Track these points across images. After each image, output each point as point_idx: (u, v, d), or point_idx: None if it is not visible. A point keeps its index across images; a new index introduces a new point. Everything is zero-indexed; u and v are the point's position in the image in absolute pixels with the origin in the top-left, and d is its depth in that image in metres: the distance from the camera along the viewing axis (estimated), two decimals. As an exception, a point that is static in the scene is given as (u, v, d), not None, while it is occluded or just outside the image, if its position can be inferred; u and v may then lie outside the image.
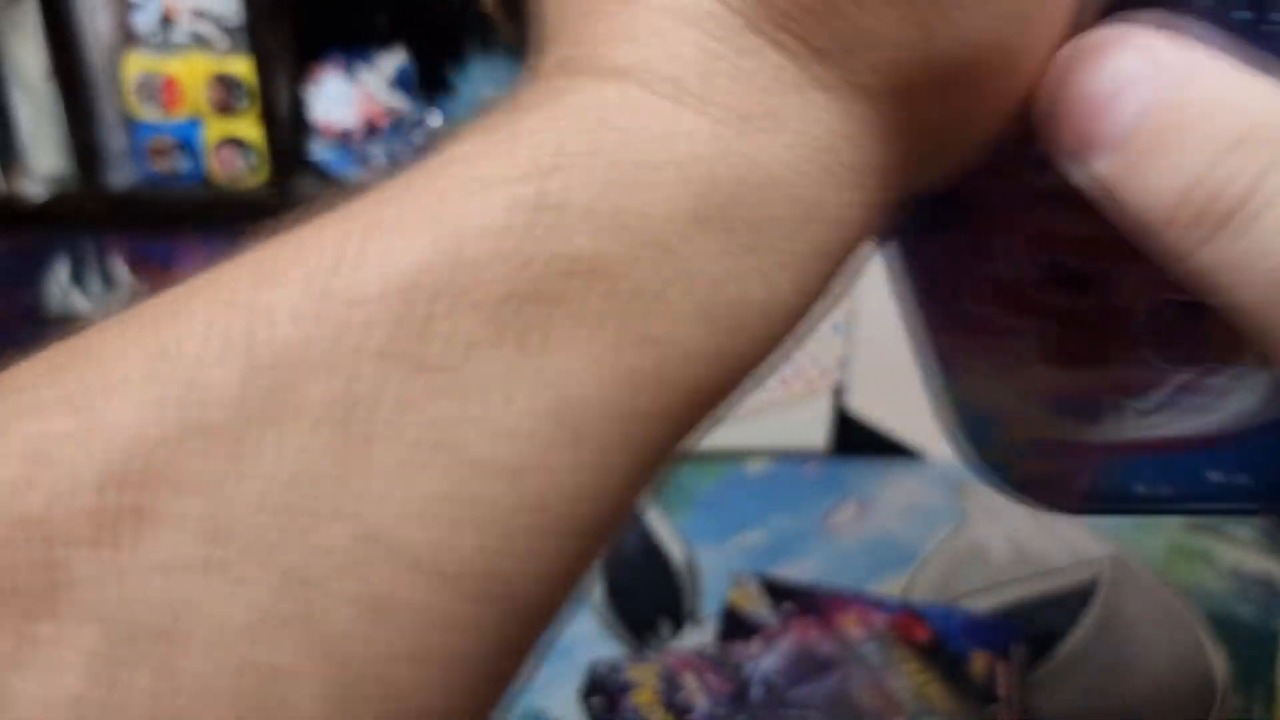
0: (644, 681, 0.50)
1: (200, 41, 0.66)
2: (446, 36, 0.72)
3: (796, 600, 0.61)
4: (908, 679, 0.51)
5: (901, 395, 0.75)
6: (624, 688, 0.49)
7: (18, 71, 0.65)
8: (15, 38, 0.64)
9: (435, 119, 0.69)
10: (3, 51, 0.65)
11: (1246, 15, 0.18)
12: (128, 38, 0.67)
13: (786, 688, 0.49)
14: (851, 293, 0.76)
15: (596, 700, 0.50)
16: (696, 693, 0.49)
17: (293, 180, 0.68)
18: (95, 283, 0.71)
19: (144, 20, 0.66)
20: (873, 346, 0.74)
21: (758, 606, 0.61)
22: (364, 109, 0.67)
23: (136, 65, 0.65)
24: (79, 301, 0.72)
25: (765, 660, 0.51)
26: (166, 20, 0.66)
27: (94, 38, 0.64)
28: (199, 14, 0.66)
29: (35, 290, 0.71)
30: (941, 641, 0.55)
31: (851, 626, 0.56)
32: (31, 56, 0.64)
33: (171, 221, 0.70)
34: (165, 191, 0.67)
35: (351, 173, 0.67)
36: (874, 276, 0.64)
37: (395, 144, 0.67)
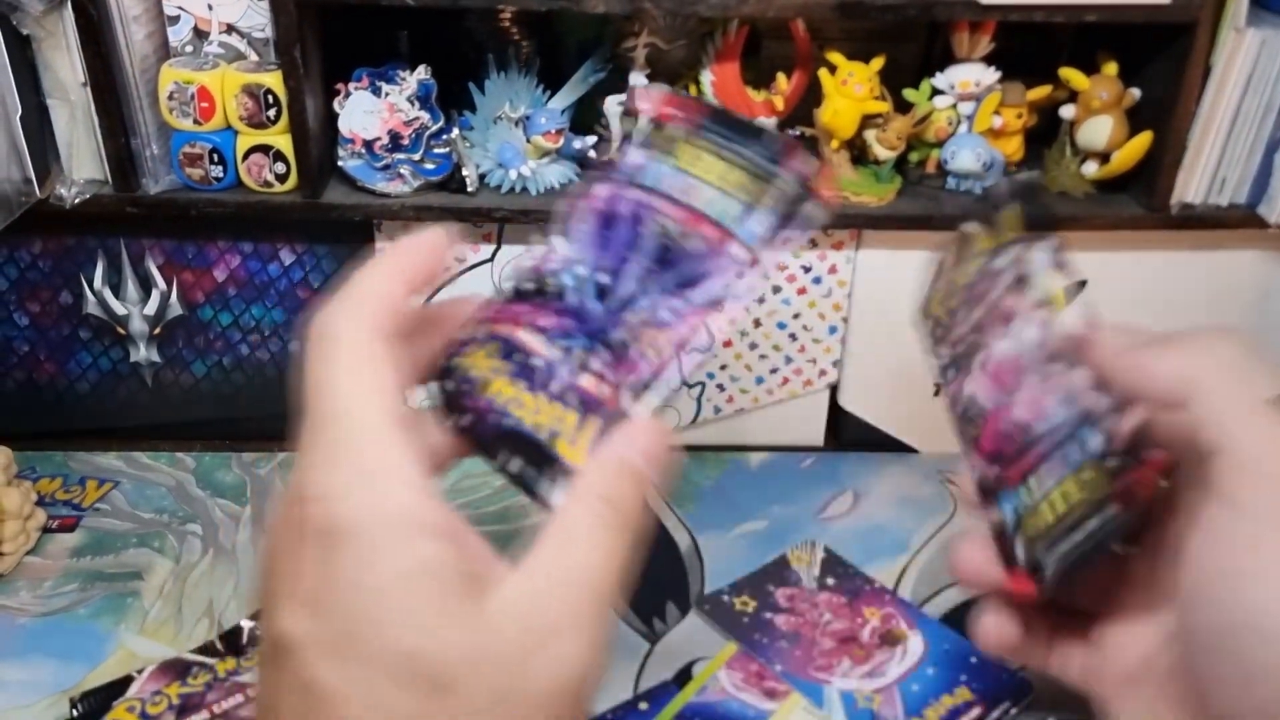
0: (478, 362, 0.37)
1: (231, 55, 0.69)
2: (466, 54, 0.75)
3: None
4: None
5: (889, 395, 0.78)
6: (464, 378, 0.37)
7: (55, 80, 0.67)
8: (52, 46, 0.66)
9: (454, 130, 0.71)
10: (40, 60, 0.66)
11: None
12: (165, 49, 0.69)
13: (616, 284, 0.37)
14: (848, 299, 0.78)
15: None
16: (536, 346, 0.36)
17: (322, 187, 0.71)
18: (130, 286, 0.74)
19: (177, 34, 0.68)
20: (866, 350, 0.77)
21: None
22: (388, 121, 0.69)
23: (169, 77, 0.66)
24: (114, 305, 0.74)
25: (574, 258, 0.37)
26: (199, 33, 0.69)
27: (131, 48, 0.66)
28: (230, 28, 0.69)
29: (72, 293, 0.74)
30: None
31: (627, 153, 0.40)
32: (68, 65, 0.66)
33: (205, 227, 0.72)
34: (199, 197, 0.69)
35: (377, 179, 0.70)
36: (867, 286, 0.68)
37: (417, 153, 0.70)
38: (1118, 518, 0.35)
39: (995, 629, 0.40)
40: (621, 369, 0.35)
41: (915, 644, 0.62)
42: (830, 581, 0.67)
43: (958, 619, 0.63)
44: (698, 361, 0.35)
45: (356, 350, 0.31)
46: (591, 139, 0.73)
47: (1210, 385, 0.34)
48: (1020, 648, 0.40)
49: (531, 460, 0.34)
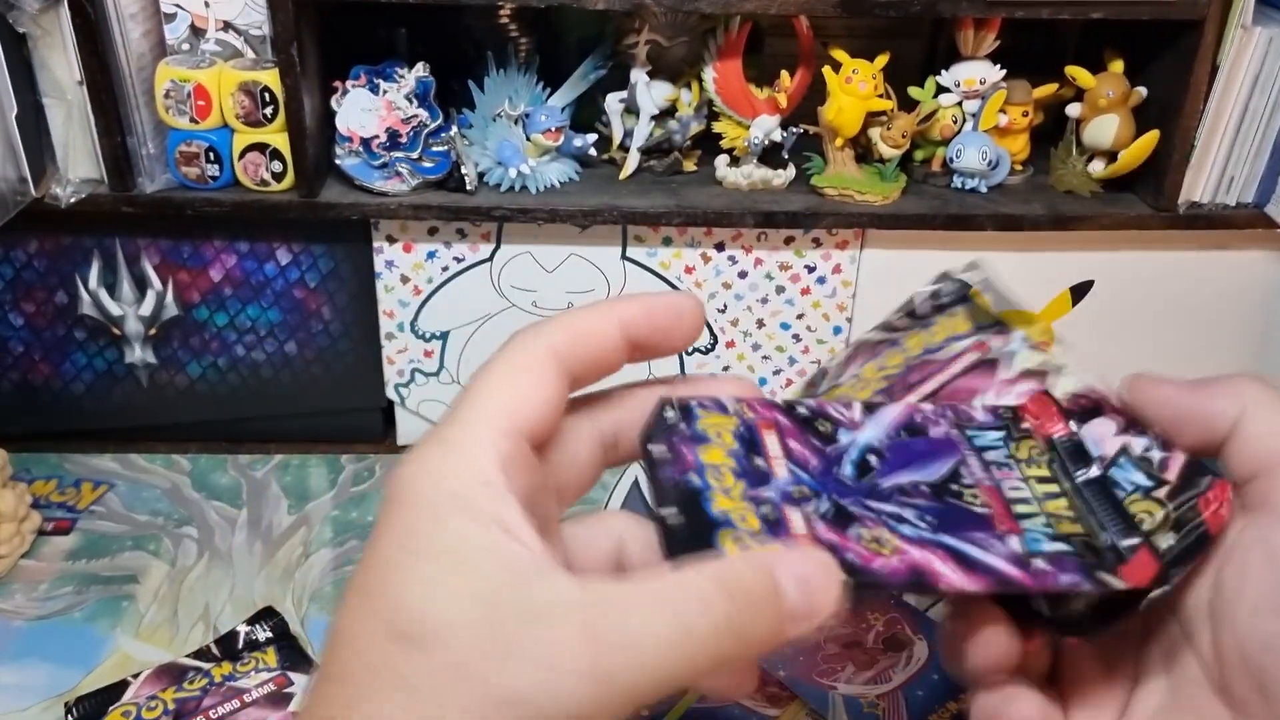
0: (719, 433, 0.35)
1: (228, 53, 0.68)
2: (465, 51, 0.74)
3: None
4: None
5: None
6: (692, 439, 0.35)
7: (51, 79, 0.66)
8: (48, 45, 0.65)
9: (453, 128, 0.71)
10: (36, 59, 0.66)
11: None
12: (162, 47, 0.68)
13: (884, 472, 0.35)
14: (852, 299, 0.78)
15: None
16: (773, 455, 0.35)
17: (319, 186, 0.70)
18: (125, 286, 0.73)
19: (173, 31, 0.67)
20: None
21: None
22: (386, 119, 0.68)
23: (166, 75, 0.66)
24: (109, 305, 0.73)
25: (866, 431, 0.36)
26: (195, 31, 0.68)
27: (127, 46, 0.65)
28: (227, 25, 0.68)
29: (67, 293, 0.73)
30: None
31: (975, 410, 0.39)
32: (64, 64, 0.65)
33: (201, 226, 0.71)
34: (195, 196, 0.69)
35: (375, 178, 0.69)
36: (871, 286, 0.67)
37: (415, 151, 0.69)
38: (1181, 541, 0.33)
39: None
40: (833, 533, 0.32)
41: (920, 649, 0.61)
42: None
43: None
44: (906, 582, 0.32)
45: (515, 360, 0.31)
46: (592, 137, 0.72)
47: (1261, 411, 0.33)
48: None
49: (691, 526, 0.31)
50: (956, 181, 0.73)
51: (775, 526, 0.31)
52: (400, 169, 0.69)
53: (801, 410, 0.35)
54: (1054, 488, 0.35)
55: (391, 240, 0.72)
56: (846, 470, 0.34)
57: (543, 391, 0.31)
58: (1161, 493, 0.34)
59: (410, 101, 0.68)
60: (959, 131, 0.72)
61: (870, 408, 0.36)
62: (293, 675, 0.59)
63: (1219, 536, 0.33)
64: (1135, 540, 0.33)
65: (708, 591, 0.27)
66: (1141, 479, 0.34)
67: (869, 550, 0.32)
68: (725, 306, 0.75)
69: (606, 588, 0.27)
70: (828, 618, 0.28)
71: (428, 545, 0.27)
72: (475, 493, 0.28)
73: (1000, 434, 0.37)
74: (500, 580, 0.27)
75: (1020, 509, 0.35)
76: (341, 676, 0.27)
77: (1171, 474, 0.34)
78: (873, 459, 0.35)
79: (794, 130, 0.72)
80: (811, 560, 0.29)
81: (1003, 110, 0.72)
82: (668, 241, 0.72)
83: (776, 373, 0.77)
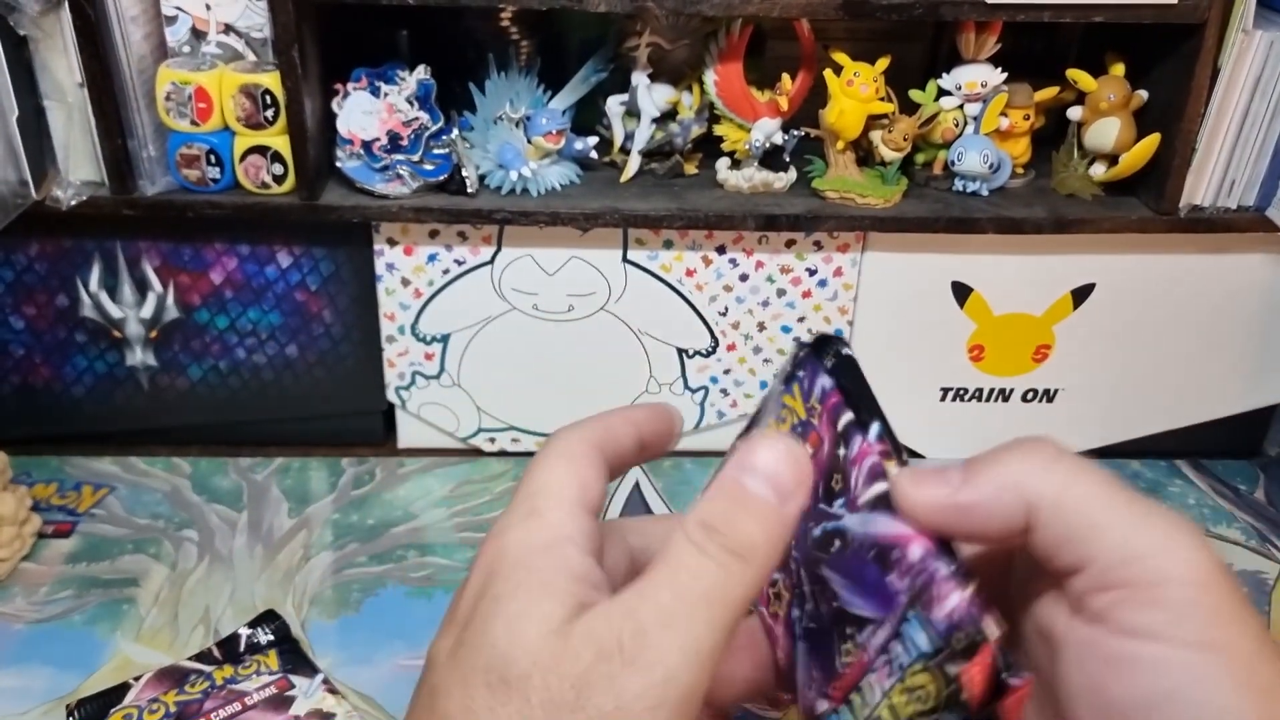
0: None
1: (229, 55, 0.68)
2: (466, 54, 0.74)
3: None
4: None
5: (895, 400, 0.77)
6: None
7: (52, 81, 0.66)
8: (49, 47, 0.65)
9: (454, 131, 0.71)
10: (37, 61, 0.66)
11: None
12: (163, 50, 0.68)
13: (831, 561, 0.34)
14: (854, 302, 0.78)
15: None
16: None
17: (320, 189, 0.70)
18: (126, 289, 0.73)
19: (174, 34, 0.68)
20: (871, 354, 0.76)
21: None
22: (387, 122, 0.68)
23: (167, 78, 0.66)
24: (110, 308, 0.73)
25: (851, 520, 0.34)
26: (196, 34, 0.68)
27: (128, 48, 0.65)
28: (228, 28, 0.68)
29: (68, 296, 0.73)
30: None
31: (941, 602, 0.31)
32: (65, 66, 0.65)
33: (202, 229, 0.71)
34: (196, 199, 0.68)
35: (376, 180, 0.69)
36: (873, 289, 0.67)
37: (416, 154, 0.69)
38: None
39: None
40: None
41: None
42: None
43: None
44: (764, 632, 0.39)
45: (570, 450, 0.35)
46: (593, 140, 0.72)
47: (1050, 496, 0.31)
48: None
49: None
50: (958, 184, 0.73)
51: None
52: (401, 172, 0.69)
53: (842, 450, 0.34)
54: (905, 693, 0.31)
55: (392, 243, 0.72)
56: (814, 534, 0.35)
57: (601, 478, 0.35)
58: (942, 659, 0.30)
59: (411, 104, 0.68)
60: (960, 134, 0.72)
61: (876, 504, 0.33)
62: (294, 678, 0.59)
63: None
64: None
65: (699, 537, 0.31)
66: (924, 642, 0.30)
67: (769, 594, 0.36)
68: (726, 309, 0.75)
69: (635, 587, 0.30)
70: (802, 491, 0.32)
71: (518, 587, 0.31)
72: (564, 549, 0.32)
73: (925, 648, 0.31)
74: (572, 615, 0.30)
75: (856, 699, 0.33)
76: None
77: (947, 629, 0.30)
78: (837, 542, 0.34)
79: (795, 133, 0.72)
80: (759, 450, 0.32)
81: (1004, 113, 0.72)
82: (669, 244, 0.72)
83: (778, 375, 0.77)
